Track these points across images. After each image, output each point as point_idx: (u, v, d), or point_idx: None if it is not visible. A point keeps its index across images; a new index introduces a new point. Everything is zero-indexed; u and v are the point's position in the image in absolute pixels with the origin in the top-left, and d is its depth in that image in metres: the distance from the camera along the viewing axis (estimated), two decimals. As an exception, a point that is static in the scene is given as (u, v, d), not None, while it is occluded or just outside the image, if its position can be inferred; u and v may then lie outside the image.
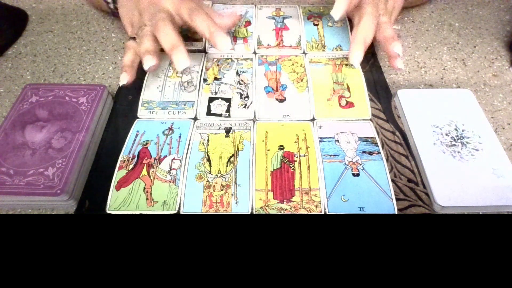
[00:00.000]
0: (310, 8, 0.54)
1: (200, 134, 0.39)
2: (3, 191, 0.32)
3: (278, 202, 0.33)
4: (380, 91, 0.43)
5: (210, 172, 0.35)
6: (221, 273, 0.28)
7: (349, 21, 0.51)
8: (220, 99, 0.42)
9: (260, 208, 0.33)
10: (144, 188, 0.34)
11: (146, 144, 0.38)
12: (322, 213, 0.33)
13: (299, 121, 0.40)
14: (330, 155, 0.37)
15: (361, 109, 0.41)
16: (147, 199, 0.33)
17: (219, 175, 0.35)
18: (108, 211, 0.33)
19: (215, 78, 0.44)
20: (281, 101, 0.42)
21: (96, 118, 0.39)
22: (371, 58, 0.47)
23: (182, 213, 0.33)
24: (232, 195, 0.34)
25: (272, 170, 0.36)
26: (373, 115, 0.41)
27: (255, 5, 0.54)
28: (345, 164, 0.36)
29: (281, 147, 0.37)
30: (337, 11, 0.41)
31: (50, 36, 0.51)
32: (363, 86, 0.43)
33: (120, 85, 0.39)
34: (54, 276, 0.27)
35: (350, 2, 0.41)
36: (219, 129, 0.39)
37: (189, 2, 0.41)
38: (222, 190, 0.34)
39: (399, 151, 0.38)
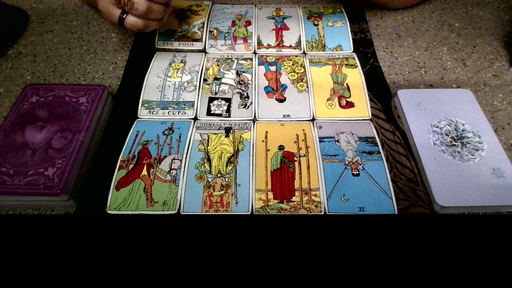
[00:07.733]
0: (310, 8, 0.53)
1: (200, 134, 0.39)
2: (3, 191, 0.32)
3: (278, 202, 0.33)
4: (380, 91, 0.43)
5: (210, 172, 0.35)
6: (221, 273, 0.28)
7: (349, 21, 0.51)
8: (220, 99, 0.42)
9: (260, 208, 0.33)
10: (144, 188, 0.34)
11: (146, 144, 0.37)
12: (322, 213, 0.33)
13: (299, 121, 0.40)
14: (330, 155, 0.37)
15: (361, 109, 0.41)
16: (147, 199, 0.33)
17: (219, 175, 0.35)
18: (108, 211, 0.33)
19: (215, 78, 0.44)
20: (281, 101, 0.42)
21: (96, 118, 0.38)
22: (371, 58, 0.47)
23: (182, 213, 0.33)
24: (232, 195, 0.34)
25: (272, 170, 0.36)
26: (373, 115, 0.41)
27: (255, 5, 0.54)
28: (345, 164, 0.36)
29: (281, 147, 0.37)
30: None
31: (50, 36, 0.51)
32: (363, 86, 0.43)
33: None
34: (54, 276, 0.27)
35: None
36: (219, 129, 0.39)
37: None
38: (222, 190, 0.34)
39: (399, 151, 0.38)
